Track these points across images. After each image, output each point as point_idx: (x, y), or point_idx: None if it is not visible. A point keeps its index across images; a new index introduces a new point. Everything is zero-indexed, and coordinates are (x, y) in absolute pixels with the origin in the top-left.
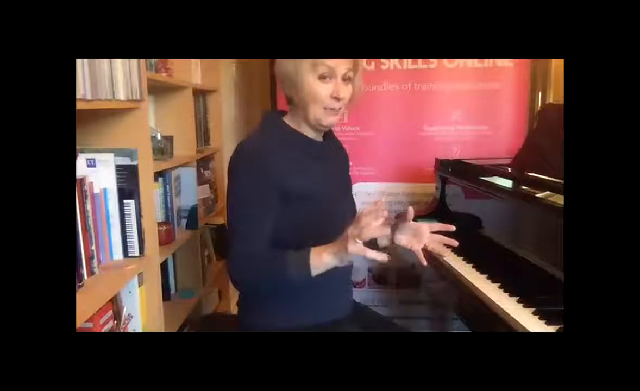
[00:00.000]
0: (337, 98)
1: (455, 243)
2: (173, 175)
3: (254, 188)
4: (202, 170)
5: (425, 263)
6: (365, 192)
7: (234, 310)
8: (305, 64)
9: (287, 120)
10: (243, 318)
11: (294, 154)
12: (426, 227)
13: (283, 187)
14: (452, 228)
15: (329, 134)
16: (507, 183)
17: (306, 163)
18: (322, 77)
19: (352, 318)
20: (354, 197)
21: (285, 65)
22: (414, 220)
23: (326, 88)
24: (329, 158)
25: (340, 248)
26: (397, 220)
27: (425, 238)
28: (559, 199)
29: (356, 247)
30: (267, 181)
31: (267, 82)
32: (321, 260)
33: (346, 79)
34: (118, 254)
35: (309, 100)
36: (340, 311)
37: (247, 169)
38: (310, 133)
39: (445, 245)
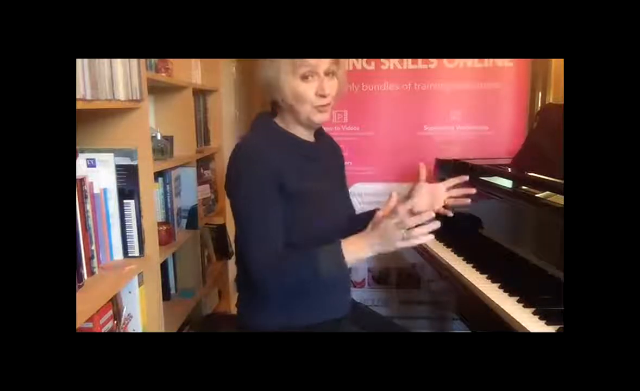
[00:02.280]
0: (323, 95)
1: (473, 190)
2: (173, 175)
3: (262, 187)
4: (202, 170)
5: (451, 214)
6: (365, 192)
7: (234, 310)
8: (286, 66)
9: (278, 121)
10: (241, 321)
11: (288, 154)
12: (442, 186)
13: (282, 184)
14: (466, 178)
15: (321, 133)
16: (507, 183)
17: (301, 164)
18: (304, 77)
19: (352, 318)
20: (351, 196)
21: (266, 71)
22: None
23: (310, 87)
24: (323, 158)
25: (380, 242)
26: (412, 186)
27: (443, 196)
28: (559, 199)
29: (406, 242)
30: (270, 178)
31: None
32: (356, 255)
33: (329, 74)
34: (118, 254)
35: (295, 102)
36: (340, 311)
37: (251, 169)
38: (302, 134)
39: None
